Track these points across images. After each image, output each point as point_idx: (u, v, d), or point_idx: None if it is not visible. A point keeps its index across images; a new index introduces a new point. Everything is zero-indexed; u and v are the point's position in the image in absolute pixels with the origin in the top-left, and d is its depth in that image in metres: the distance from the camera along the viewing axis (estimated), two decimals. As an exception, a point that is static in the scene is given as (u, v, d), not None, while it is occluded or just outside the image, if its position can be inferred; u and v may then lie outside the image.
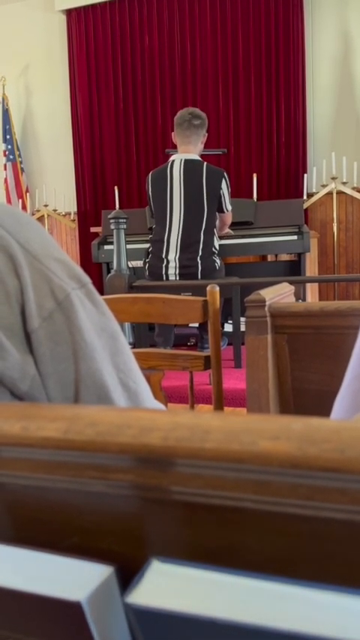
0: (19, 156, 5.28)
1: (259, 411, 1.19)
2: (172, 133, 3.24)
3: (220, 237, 3.41)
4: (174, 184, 3.09)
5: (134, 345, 3.06)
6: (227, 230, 3.53)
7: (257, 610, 0.22)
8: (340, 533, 0.24)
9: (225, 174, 3.14)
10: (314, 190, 4.51)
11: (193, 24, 4.77)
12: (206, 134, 3.23)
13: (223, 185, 3.11)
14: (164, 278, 3.11)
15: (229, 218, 3.36)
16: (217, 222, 3.28)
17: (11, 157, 5.24)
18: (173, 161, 3.13)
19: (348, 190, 4.41)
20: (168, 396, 1.42)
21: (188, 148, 3.15)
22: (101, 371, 0.48)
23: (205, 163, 3.13)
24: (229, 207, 3.23)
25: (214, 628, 0.23)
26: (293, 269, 3.84)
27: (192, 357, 1.27)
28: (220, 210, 3.18)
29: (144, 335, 3.07)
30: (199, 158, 3.16)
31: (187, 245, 3.07)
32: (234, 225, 3.57)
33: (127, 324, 2.98)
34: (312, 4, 4.57)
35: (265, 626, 0.22)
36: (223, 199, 3.13)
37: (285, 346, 1.22)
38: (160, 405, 0.61)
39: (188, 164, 3.10)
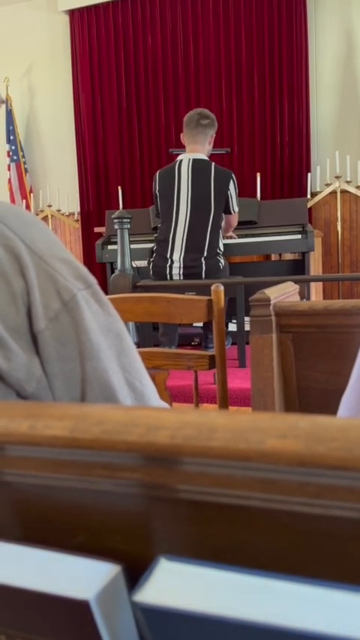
0: (23, 156, 5.29)
1: (264, 410, 1.19)
2: (181, 134, 3.24)
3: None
4: (182, 184, 3.08)
5: (139, 344, 3.06)
6: (231, 233, 3.52)
7: (264, 608, 0.22)
8: (348, 531, 0.24)
9: (233, 175, 3.14)
10: (318, 189, 4.50)
11: (196, 23, 4.77)
12: (214, 135, 3.23)
13: (231, 186, 3.10)
14: (168, 278, 3.11)
15: (235, 219, 3.35)
16: (223, 223, 3.28)
17: (15, 157, 5.25)
18: (181, 160, 3.12)
19: (352, 189, 4.40)
20: (172, 395, 1.42)
21: (196, 148, 3.14)
22: (107, 371, 0.48)
23: (214, 164, 3.12)
24: (236, 209, 3.23)
25: (222, 626, 0.23)
26: (297, 268, 3.84)
27: (196, 356, 1.27)
28: (227, 211, 3.17)
29: (148, 334, 3.07)
30: (207, 158, 3.16)
31: (193, 245, 3.06)
32: (238, 224, 3.57)
33: (131, 324, 2.99)
34: (315, 2, 4.56)
35: (272, 624, 0.22)
36: (230, 200, 3.13)
37: (290, 345, 1.22)
38: (166, 406, 0.61)
39: (196, 164, 3.09)
